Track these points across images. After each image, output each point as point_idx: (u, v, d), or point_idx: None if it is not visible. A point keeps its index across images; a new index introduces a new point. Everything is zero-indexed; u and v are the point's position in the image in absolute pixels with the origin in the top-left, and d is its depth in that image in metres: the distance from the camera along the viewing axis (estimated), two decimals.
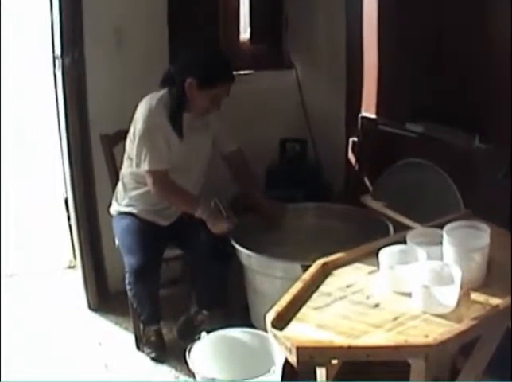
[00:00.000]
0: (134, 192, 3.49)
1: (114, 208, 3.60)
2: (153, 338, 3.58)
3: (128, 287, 3.43)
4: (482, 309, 2.22)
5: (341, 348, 2.03)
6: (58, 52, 3.71)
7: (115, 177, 3.64)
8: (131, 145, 3.41)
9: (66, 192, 4.12)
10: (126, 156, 3.51)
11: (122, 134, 3.60)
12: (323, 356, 2.06)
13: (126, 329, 3.85)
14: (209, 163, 3.59)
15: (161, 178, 3.34)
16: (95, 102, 3.84)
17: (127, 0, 3.82)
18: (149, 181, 3.33)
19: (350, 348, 2.02)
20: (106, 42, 3.81)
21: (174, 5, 4.04)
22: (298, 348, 2.00)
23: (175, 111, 3.34)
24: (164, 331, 3.69)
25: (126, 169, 3.51)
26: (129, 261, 3.36)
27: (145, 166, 3.31)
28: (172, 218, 3.54)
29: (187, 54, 3.40)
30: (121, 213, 3.55)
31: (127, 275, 3.39)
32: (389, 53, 4.13)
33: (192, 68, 3.29)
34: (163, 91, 3.39)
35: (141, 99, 3.40)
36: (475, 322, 2.11)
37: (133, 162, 3.38)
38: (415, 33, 3.80)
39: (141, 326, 3.61)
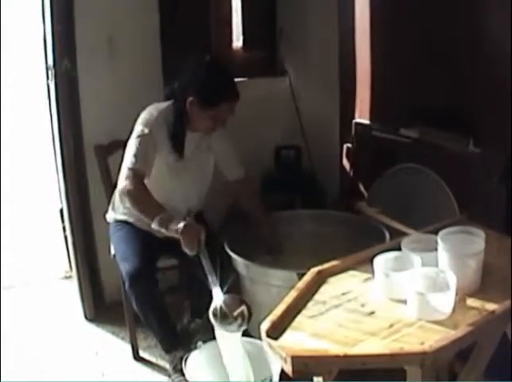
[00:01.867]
0: None
1: (111, 216, 3.57)
2: (179, 367, 3.33)
3: (129, 295, 3.35)
4: (478, 315, 2.21)
5: (336, 356, 2.01)
6: (50, 62, 3.70)
7: (110, 188, 3.61)
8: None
9: (61, 202, 4.11)
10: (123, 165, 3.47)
11: (116, 145, 3.58)
12: (318, 365, 2.04)
13: (122, 338, 3.84)
14: (209, 187, 3.53)
15: (136, 176, 3.16)
16: (88, 112, 3.84)
17: (119, 10, 3.82)
18: (122, 176, 3.18)
19: (345, 356, 2.00)
20: (98, 52, 3.81)
21: (166, 14, 4.03)
22: (293, 358, 1.99)
23: (176, 129, 3.27)
24: None
25: None
26: (124, 267, 3.29)
27: (124, 164, 3.19)
28: None
29: (188, 71, 3.29)
30: (117, 221, 3.52)
31: (125, 283, 3.31)
32: (382, 59, 4.13)
33: (193, 87, 3.21)
34: (167, 104, 3.33)
35: (134, 109, 3.38)
36: (471, 328, 2.10)
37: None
38: (408, 39, 3.80)
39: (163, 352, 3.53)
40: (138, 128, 3.23)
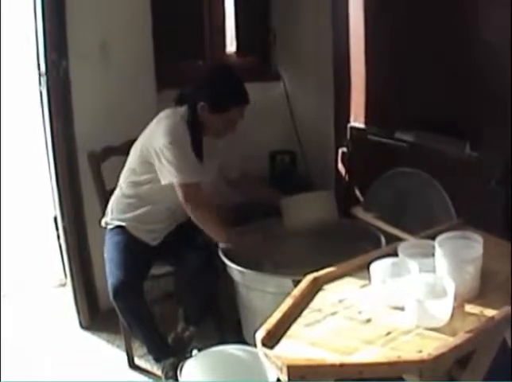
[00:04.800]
0: (136, 210, 3.41)
1: (107, 221, 3.52)
2: (170, 374, 3.41)
3: (114, 306, 3.36)
4: (477, 322, 2.18)
5: (333, 366, 1.98)
6: (43, 69, 3.68)
7: (103, 194, 3.60)
8: (137, 158, 3.35)
9: (55, 210, 4.08)
10: (129, 171, 3.44)
11: (109, 151, 3.58)
12: (314, 375, 2.01)
13: (117, 346, 3.83)
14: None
15: (196, 193, 3.23)
16: (81, 119, 3.81)
17: (112, 15, 3.80)
18: (181, 194, 3.21)
19: (342, 365, 1.98)
20: (91, 58, 3.78)
21: (159, 19, 4.02)
22: (289, 367, 1.97)
23: (194, 135, 3.28)
24: None
25: (127, 185, 3.44)
26: (109, 279, 3.31)
27: (178, 179, 3.19)
28: (160, 238, 3.49)
29: (198, 77, 3.36)
30: (113, 228, 3.48)
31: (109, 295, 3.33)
32: (376, 62, 4.11)
33: (204, 93, 3.25)
34: (183, 109, 3.34)
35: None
36: (469, 335, 2.08)
37: (136, 176, 3.36)
38: (403, 41, 3.78)
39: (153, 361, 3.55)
40: (169, 139, 3.19)
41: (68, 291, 4.15)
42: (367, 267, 2.44)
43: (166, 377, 3.39)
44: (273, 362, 2.05)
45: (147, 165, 3.30)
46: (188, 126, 3.28)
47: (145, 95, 3.89)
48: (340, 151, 4.47)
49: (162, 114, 3.35)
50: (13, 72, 4.38)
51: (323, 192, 3.71)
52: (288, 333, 2.20)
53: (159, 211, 3.39)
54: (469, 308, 2.28)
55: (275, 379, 2.69)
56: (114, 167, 3.53)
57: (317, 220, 3.44)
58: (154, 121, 3.35)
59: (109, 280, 3.30)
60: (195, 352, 3.03)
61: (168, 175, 3.21)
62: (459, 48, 3.45)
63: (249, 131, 4.02)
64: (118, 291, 3.24)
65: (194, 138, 3.29)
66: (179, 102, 3.39)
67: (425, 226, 2.98)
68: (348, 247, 3.26)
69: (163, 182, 3.24)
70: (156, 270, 3.49)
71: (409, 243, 2.64)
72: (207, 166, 3.38)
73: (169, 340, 3.58)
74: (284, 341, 2.16)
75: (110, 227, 3.49)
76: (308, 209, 3.44)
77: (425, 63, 3.66)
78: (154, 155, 3.23)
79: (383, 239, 3.29)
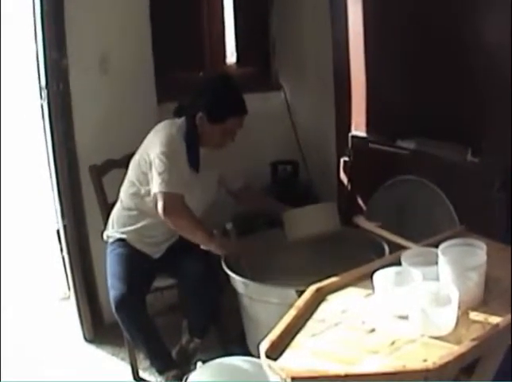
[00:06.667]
0: (137, 223, 3.41)
1: (108, 234, 3.52)
2: None
3: (117, 319, 3.36)
4: (481, 329, 2.17)
5: (337, 376, 1.96)
6: (43, 82, 3.68)
7: (105, 207, 3.60)
8: (136, 170, 3.35)
9: (58, 223, 4.08)
10: (128, 184, 3.43)
11: (111, 164, 3.58)
12: None
13: (122, 359, 3.81)
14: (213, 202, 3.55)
15: (176, 202, 3.18)
16: (81, 132, 3.82)
17: (112, 29, 3.81)
18: (161, 202, 3.16)
19: (346, 376, 1.96)
20: (91, 71, 3.79)
21: (159, 32, 4.02)
22: (293, 379, 1.95)
23: (191, 145, 3.29)
24: None
25: (128, 197, 3.43)
26: (111, 292, 3.30)
27: (159, 188, 3.16)
28: (162, 250, 3.49)
29: (197, 87, 3.36)
30: (114, 241, 3.48)
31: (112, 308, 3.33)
32: (377, 70, 4.11)
33: (202, 103, 3.26)
34: (181, 121, 3.34)
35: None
36: (474, 343, 2.06)
37: (136, 188, 3.35)
38: (403, 50, 3.78)
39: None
40: (162, 149, 3.19)
41: (72, 304, 4.14)
42: (371, 276, 2.42)
43: None
44: (277, 373, 2.03)
45: (146, 176, 3.29)
46: (185, 138, 3.28)
47: (145, 107, 3.89)
48: (342, 160, 4.46)
49: (159, 126, 3.35)
50: (14, 86, 4.38)
51: (325, 204, 3.70)
52: (292, 344, 2.19)
53: (160, 223, 3.36)
54: (473, 315, 2.26)
55: None
56: (116, 180, 3.52)
57: (319, 233, 3.43)
58: (152, 132, 3.35)
59: (111, 293, 3.30)
60: (199, 364, 3.02)
61: (154, 185, 3.20)
62: (460, 55, 3.45)
63: (250, 141, 4.05)
64: (120, 304, 3.24)
65: (190, 149, 3.28)
66: (177, 114, 3.40)
67: (428, 234, 2.97)
68: (351, 256, 3.26)
69: (152, 193, 3.23)
70: (160, 283, 3.49)
71: (412, 251, 2.62)
72: (203, 177, 3.37)
73: (174, 352, 3.58)
74: (288, 352, 2.14)
75: (111, 240, 3.49)
76: (310, 222, 3.42)
77: (426, 70, 3.66)
78: (148, 165, 3.24)
79: (387, 248, 3.27)
